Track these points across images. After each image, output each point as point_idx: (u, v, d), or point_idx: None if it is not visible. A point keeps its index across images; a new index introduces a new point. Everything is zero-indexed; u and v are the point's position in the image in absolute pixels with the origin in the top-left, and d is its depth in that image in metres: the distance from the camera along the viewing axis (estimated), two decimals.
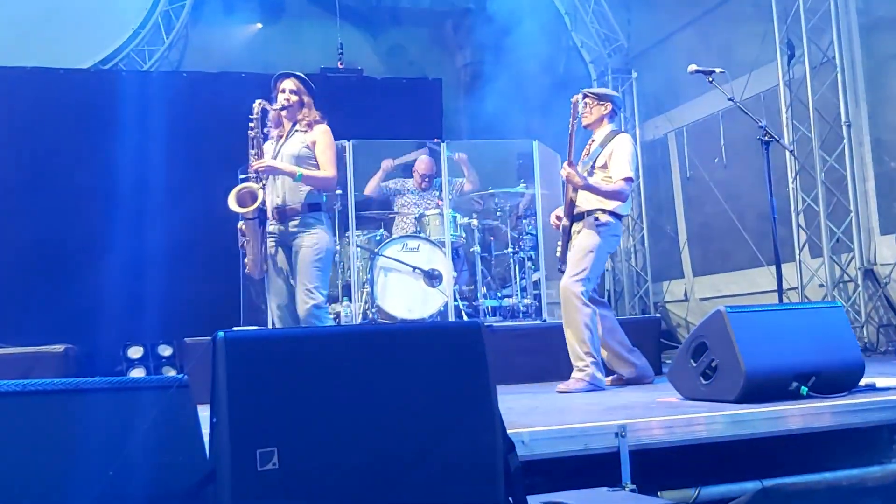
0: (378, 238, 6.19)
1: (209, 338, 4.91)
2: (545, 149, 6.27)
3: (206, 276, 6.74)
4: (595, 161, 4.60)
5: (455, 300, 5.83)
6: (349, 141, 6.03)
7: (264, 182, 4.26)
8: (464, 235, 6.21)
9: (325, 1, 8.92)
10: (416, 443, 1.63)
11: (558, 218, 4.74)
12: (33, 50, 7.23)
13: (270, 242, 4.33)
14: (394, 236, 6.17)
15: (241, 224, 4.26)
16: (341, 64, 7.95)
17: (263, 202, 4.22)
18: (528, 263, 6.26)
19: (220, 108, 7.19)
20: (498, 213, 6.31)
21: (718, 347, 3.36)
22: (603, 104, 4.69)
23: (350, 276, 6.00)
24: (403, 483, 1.59)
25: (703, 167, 8.10)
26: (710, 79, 4.38)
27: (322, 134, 4.33)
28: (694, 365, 3.48)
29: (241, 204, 4.20)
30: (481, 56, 8.76)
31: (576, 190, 4.57)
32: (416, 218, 6.38)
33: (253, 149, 4.29)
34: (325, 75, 7.79)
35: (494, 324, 5.82)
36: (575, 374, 4.40)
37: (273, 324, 4.46)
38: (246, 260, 4.29)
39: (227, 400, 1.50)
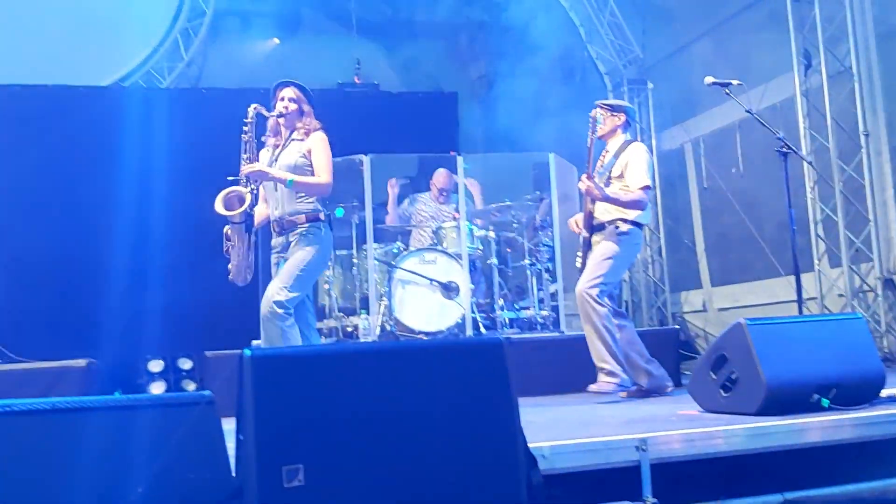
0: (395, 251, 6.21)
1: (229, 351, 4.93)
2: (561, 160, 6.29)
3: (225, 288, 6.76)
4: (611, 171, 4.64)
5: (472, 312, 5.84)
6: (366, 155, 6.08)
7: (253, 187, 4.17)
8: (481, 247, 6.22)
9: (342, 15, 9.00)
10: (439, 458, 1.64)
11: (577, 223, 4.78)
12: (53, 68, 7.33)
13: (274, 258, 4.26)
14: (411, 249, 6.19)
15: (226, 228, 4.16)
16: (358, 79, 8.00)
17: (251, 206, 4.13)
18: (546, 275, 6.26)
19: (239, 123, 7.25)
20: (514, 225, 6.32)
21: (739, 360, 3.34)
22: (616, 115, 4.76)
23: (368, 289, 6.02)
24: (427, 499, 1.61)
25: (720, 177, 8.08)
26: (727, 90, 4.39)
27: (318, 140, 4.23)
28: (714, 377, 3.46)
29: (228, 207, 4.11)
30: (496, 68, 8.80)
31: (594, 201, 4.61)
32: (433, 230, 6.40)
33: (245, 153, 4.18)
34: (342, 90, 7.87)
35: (512, 336, 5.83)
36: (603, 377, 4.43)
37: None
38: (229, 266, 4.16)
39: (254, 417, 1.52)
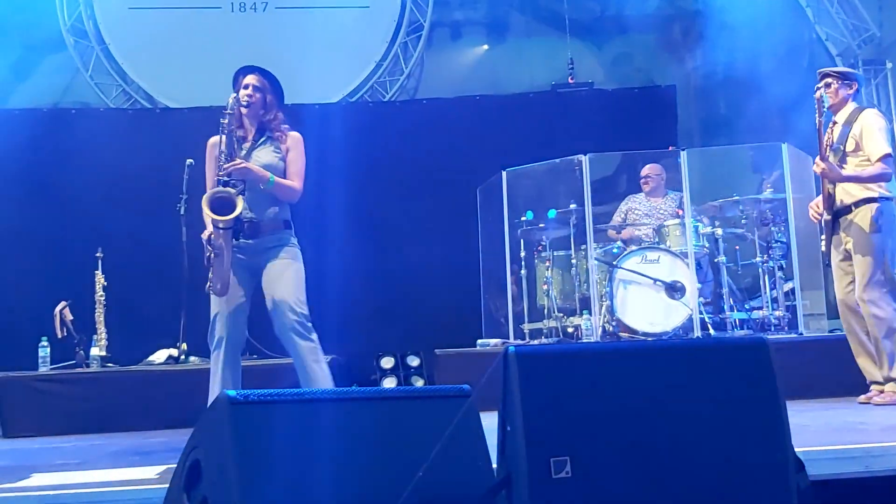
0: (615, 250, 6.16)
1: (458, 349, 5.13)
2: (794, 151, 5.94)
3: (448, 289, 7.08)
4: (844, 145, 4.35)
5: (700, 313, 5.66)
6: (585, 156, 6.09)
7: (242, 187, 3.74)
8: (707, 245, 6.02)
9: (550, 16, 9.04)
10: (704, 458, 1.64)
11: (817, 207, 4.53)
12: (288, 86, 7.96)
13: (240, 257, 3.84)
14: (631, 248, 6.11)
15: (209, 234, 3.73)
16: (572, 79, 8.01)
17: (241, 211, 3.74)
18: (779, 273, 5.92)
19: (458, 131, 7.55)
20: (743, 221, 6.04)
21: None
22: (849, 84, 4.47)
23: (588, 290, 6.02)
24: (694, 499, 1.61)
25: None
26: None
27: (297, 142, 3.93)
28: None
29: (215, 210, 3.68)
30: (713, 58, 8.43)
31: (833, 183, 4.36)
32: (652, 229, 6.29)
33: (224, 149, 3.77)
34: (555, 91, 7.92)
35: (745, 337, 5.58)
36: (891, 387, 4.18)
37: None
38: (211, 275, 3.73)
39: (522, 410, 1.60)
